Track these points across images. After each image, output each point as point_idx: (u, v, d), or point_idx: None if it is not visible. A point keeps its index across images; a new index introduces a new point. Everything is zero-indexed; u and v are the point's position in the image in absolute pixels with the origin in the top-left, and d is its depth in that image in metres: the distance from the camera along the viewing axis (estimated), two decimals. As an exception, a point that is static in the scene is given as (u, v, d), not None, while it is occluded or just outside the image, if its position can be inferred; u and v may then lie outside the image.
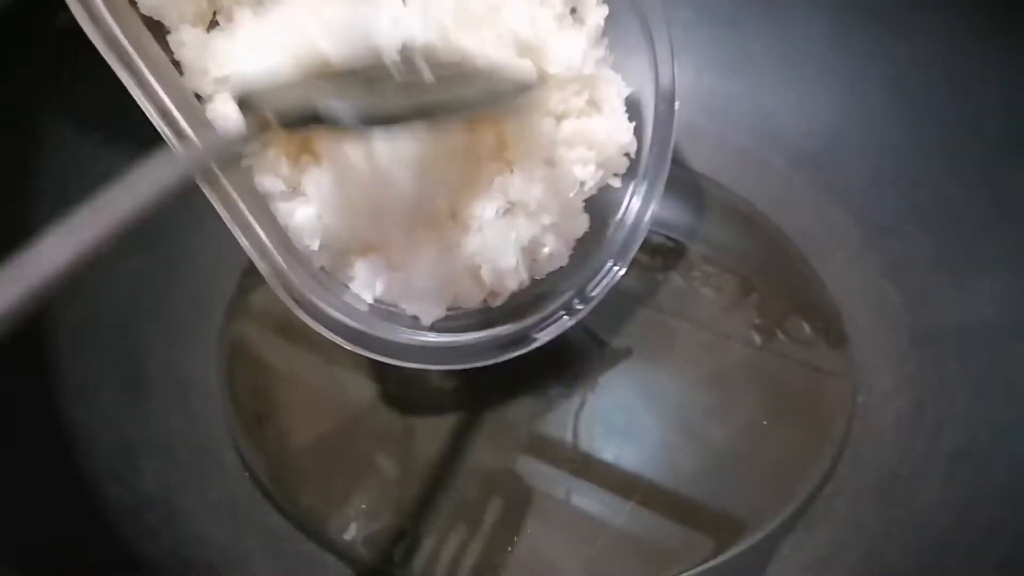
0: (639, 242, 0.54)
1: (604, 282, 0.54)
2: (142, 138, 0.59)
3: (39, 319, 0.52)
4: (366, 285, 0.49)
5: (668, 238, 0.64)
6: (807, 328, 0.60)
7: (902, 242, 0.61)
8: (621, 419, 0.56)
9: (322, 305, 0.48)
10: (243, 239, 0.46)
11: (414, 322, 0.50)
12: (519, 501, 0.52)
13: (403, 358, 0.50)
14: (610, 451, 0.54)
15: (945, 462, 0.51)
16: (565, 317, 0.53)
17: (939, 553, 0.46)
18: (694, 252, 0.63)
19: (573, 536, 0.51)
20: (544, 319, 0.53)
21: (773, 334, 0.60)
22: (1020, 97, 0.57)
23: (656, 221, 0.64)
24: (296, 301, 0.47)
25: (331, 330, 0.48)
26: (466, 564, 0.50)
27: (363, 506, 0.52)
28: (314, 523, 0.51)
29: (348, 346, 0.48)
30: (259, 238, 0.46)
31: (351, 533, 0.51)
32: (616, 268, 0.54)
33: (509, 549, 0.50)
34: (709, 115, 0.68)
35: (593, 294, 0.54)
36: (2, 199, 0.53)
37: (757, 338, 0.60)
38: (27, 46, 0.54)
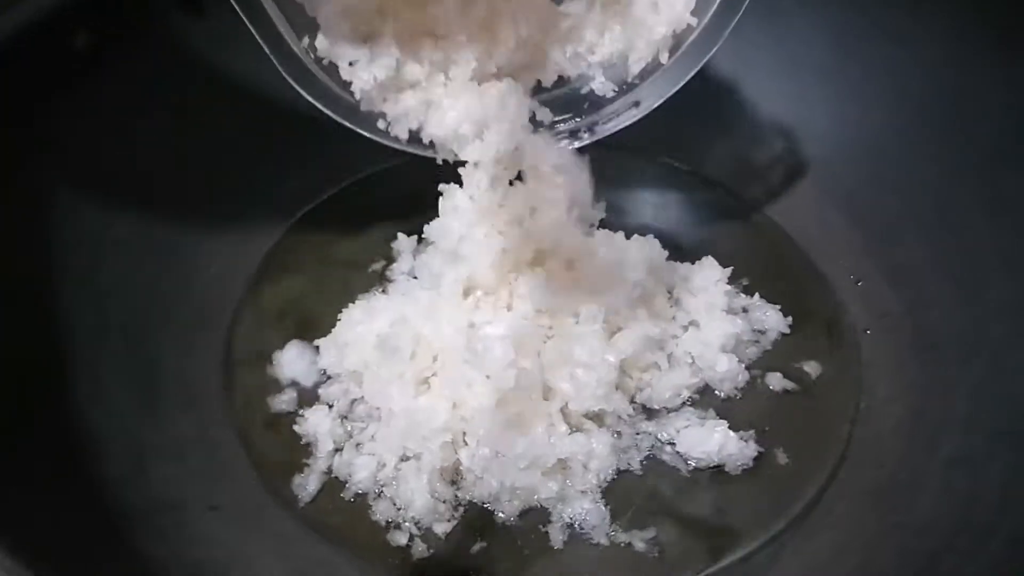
0: (666, 96, 0.54)
1: (616, 122, 0.55)
2: (153, 146, 0.61)
3: (55, 326, 0.53)
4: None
5: (671, 242, 0.64)
6: (809, 335, 0.61)
7: (903, 249, 0.62)
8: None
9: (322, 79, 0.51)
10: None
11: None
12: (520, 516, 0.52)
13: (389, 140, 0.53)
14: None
15: (943, 467, 0.51)
16: (566, 141, 0.55)
17: (936, 557, 0.47)
18: (696, 257, 0.64)
19: (573, 542, 0.51)
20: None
21: (775, 339, 0.60)
22: (1019, 106, 0.58)
23: (661, 226, 0.65)
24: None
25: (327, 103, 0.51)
26: (479, 567, 0.50)
27: (374, 512, 0.52)
28: (323, 527, 0.52)
29: (344, 120, 0.51)
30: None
31: (361, 537, 0.51)
32: (634, 112, 0.55)
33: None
34: (712, 122, 0.69)
35: (602, 130, 0.55)
36: (13, 213, 0.54)
37: (760, 344, 0.60)
38: (44, 66, 0.55)
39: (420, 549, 0.51)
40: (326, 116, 0.63)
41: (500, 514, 0.52)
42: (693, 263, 0.63)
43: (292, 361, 0.58)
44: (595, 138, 0.56)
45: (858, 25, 0.65)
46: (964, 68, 0.60)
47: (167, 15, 0.61)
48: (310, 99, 0.51)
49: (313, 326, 0.60)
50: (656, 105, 0.55)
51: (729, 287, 0.61)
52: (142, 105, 0.60)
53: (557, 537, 0.51)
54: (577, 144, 0.56)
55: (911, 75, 0.63)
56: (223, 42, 0.60)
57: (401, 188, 0.63)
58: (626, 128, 0.62)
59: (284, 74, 0.50)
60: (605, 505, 0.52)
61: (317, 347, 0.59)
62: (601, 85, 0.55)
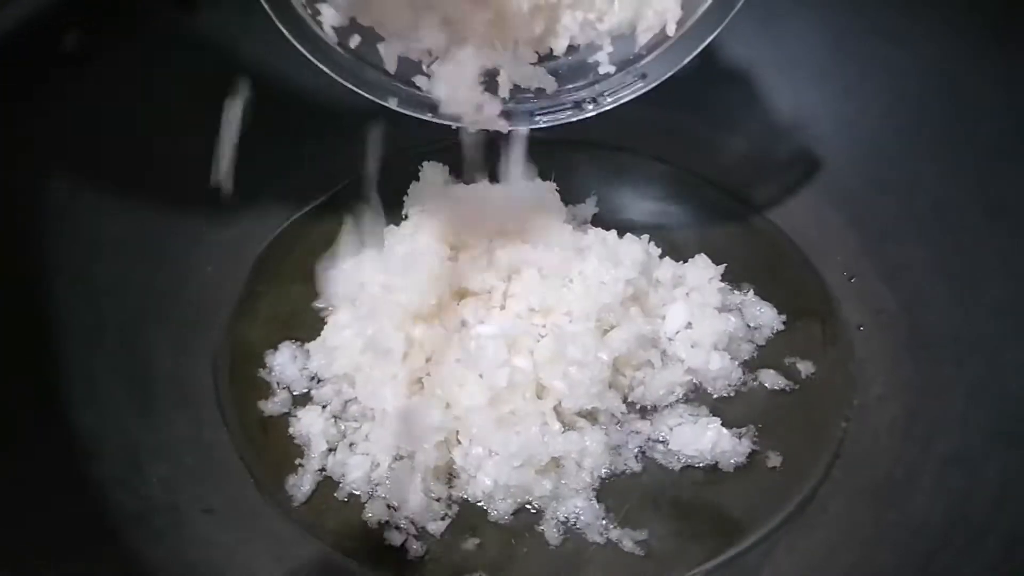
0: (673, 69, 0.53)
1: (622, 93, 0.54)
2: (148, 145, 0.61)
3: (48, 326, 0.54)
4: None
5: (665, 240, 0.64)
6: (804, 332, 0.61)
7: (899, 248, 0.62)
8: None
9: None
10: None
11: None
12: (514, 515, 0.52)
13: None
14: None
15: (938, 466, 0.51)
16: (569, 112, 0.55)
17: (930, 555, 0.47)
18: (690, 255, 0.64)
19: (567, 540, 0.51)
20: (551, 107, 0.55)
21: (770, 338, 0.60)
22: (1017, 106, 0.58)
23: (657, 224, 0.65)
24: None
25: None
26: (474, 565, 0.50)
27: (368, 512, 0.52)
28: (318, 528, 0.52)
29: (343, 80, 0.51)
30: None
31: (356, 537, 0.51)
32: (640, 85, 0.54)
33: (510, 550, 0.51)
34: (710, 122, 0.69)
35: (607, 101, 0.54)
36: (8, 212, 0.54)
37: (754, 341, 0.60)
38: (33, 69, 0.55)
39: (414, 548, 0.51)
40: (321, 117, 0.63)
41: (494, 512, 0.52)
42: (686, 261, 0.63)
43: (285, 362, 0.59)
44: (599, 110, 0.55)
45: (856, 25, 0.65)
46: (962, 68, 0.60)
47: (160, 11, 0.61)
48: (304, 52, 0.50)
49: (306, 327, 0.60)
50: (663, 78, 0.54)
51: (723, 284, 0.61)
52: (136, 103, 0.60)
53: (551, 535, 0.51)
54: (581, 116, 0.55)
55: (909, 75, 0.63)
56: (217, 39, 0.61)
57: (393, 189, 0.63)
58: (621, 127, 0.62)
59: (280, 27, 0.49)
60: (599, 503, 0.52)
61: (309, 349, 0.59)
62: (607, 58, 0.54)
